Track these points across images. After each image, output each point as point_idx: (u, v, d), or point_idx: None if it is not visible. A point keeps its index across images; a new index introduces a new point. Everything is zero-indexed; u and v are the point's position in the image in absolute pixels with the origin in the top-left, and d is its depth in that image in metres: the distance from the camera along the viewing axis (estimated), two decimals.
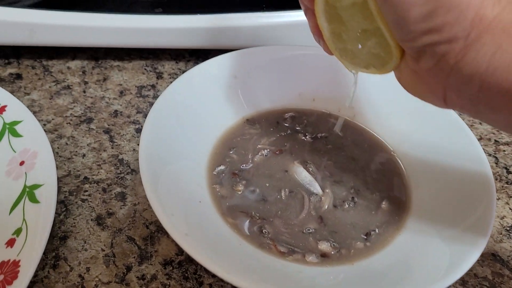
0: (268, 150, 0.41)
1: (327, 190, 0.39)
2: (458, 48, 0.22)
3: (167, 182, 0.34)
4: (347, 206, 0.38)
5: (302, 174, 0.40)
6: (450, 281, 0.30)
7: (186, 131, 0.40)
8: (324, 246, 0.35)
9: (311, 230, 0.36)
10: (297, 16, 0.50)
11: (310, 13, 0.31)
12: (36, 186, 0.37)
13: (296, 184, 0.39)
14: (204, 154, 0.40)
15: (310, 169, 0.40)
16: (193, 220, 0.33)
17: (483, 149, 0.50)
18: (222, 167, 0.40)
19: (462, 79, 0.23)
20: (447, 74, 0.24)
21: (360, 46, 0.30)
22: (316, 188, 0.39)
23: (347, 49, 0.31)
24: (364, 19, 0.28)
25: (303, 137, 0.43)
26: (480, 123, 0.53)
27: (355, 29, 0.29)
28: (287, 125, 0.44)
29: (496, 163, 0.49)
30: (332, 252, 0.35)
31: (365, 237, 0.36)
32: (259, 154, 0.41)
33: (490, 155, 0.50)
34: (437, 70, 0.24)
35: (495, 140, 0.51)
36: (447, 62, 0.23)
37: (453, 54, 0.23)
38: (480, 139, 0.51)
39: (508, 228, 0.43)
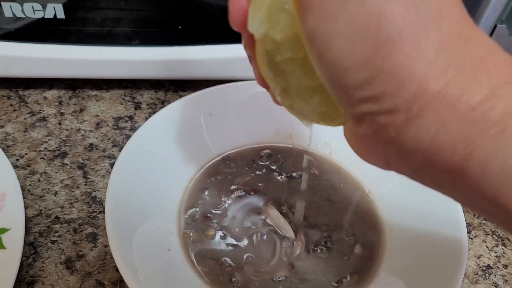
0: (242, 190, 0.41)
1: (300, 235, 0.38)
2: (400, 120, 0.21)
3: (133, 232, 0.33)
4: (319, 251, 0.38)
5: (275, 217, 0.39)
6: None
7: (158, 172, 0.39)
8: None
9: (281, 278, 0.36)
10: None
11: (254, 63, 0.28)
12: (4, 230, 0.37)
13: (269, 227, 0.39)
14: (177, 197, 0.39)
15: (284, 211, 0.40)
16: (159, 273, 0.32)
17: None
18: (194, 210, 0.39)
19: (404, 152, 0.22)
20: (387, 144, 0.22)
21: (305, 104, 0.27)
22: (288, 232, 0.38)
23: (293, 106, 0.28)
24: (306, 75, 0.25)
25: (279, 177, 0.43)
26: None
27: (299, 85, 0.27)
28: (262, 163, 0.44)
29: None
30: None
31: (336, 284, 0.36)
32: (233, 195, 0.41)
33: None
34: (377, 139, 0.22)
35: None
36: (388, 134, 0.21)
37: (394, 127, 0.21)
38: None
39: (484, 268, 0.42)
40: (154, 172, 0.39)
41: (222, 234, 0.38)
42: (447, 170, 0.21)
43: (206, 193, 0.41)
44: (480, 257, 0.43)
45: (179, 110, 0.42)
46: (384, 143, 0.22)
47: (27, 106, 0.51)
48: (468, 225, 0.46)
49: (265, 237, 0.38)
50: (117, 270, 0.38)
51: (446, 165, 0.20)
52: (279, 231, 0.38)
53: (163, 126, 0.40)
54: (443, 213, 0.37)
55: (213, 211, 0.39)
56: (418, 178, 0.23)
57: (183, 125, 0.42)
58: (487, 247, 0.44)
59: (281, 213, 0.40)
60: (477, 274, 0.42)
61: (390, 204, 0.41)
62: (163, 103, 0.54)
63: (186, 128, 0.42)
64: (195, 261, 0.35)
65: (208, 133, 0.43)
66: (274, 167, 0.44)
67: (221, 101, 0.43)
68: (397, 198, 0.41)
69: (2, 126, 0.49)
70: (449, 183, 0.21)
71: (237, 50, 0.49)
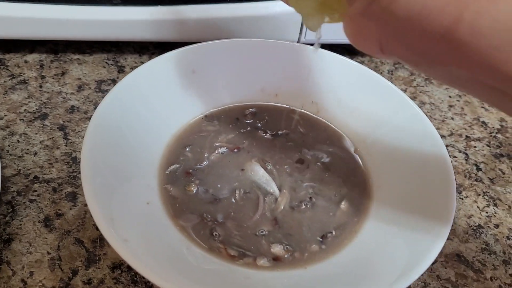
0: (225, 148, 0.40)
1: (284, 190, 0.37)
2: None
3: (110, 182, 0.32)
4: (304, 207, 0.37)
5: (259, 173, 0.38)
6: (408, 282, 0.29)
7: (138, 128, 0.38)
8: (277, 249, 0.34)
9: (264, 233, 0.35)
10: (263, 8, 0.48)
11: None
12: None
13: (252, 183, 0.38)
14: (157, 153, 0.38)
15: (269, 167, 0.39)
16: (136, 224, 0.31)
17: (454, 145, 0.49)
18: (175, 166, 0.38)
19: (396, 25, 0.21)
20: (379, 17, 0.22)
21: None
22: (273, 187, 0.37)
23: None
24: None
25: (263, 134, 0.42)
26: (452, 118, 0.52)
27: None
28: (247, 121, 0.43)
29: (466, 160, 0.47)
30: (285, 256, 0.33)
31: (321, 239, 0.35)
32: (216, 152, 0.40)
33: (460, 151, 0.48)
34: (370, 14, 0.22)
35: (466, 136, 0.50)
36: (379, 4, 0.21)
37: None
38: (451, 134, 0.50)
39: (474, 228, 0.42)
40: (133, 128, 0.37)
41: (204, 190, 0.37)
42: (438, 36, 0.20)
43: (188, 149, 0.39)
44: (470, 217, 0.42)
45: (161, 66, 0.41)
46: (377, 19, 0.22)
47: (7, 69, 0.50)
48: (459, 185, 0.45)
49: (248, 193, 0.37)
50: (97, 229, 0.37)
51: (437, 30, 0.20)
52: (263, 186, 0.37)
53: (143, 82, 0.39)
54: (431, 162, 0.36)
55: (195, 167, 0.38)
56: (412, 57, 0.23)
57: (165, 82, 0.41)
58: (478, 207, 0.43)
59: (265, 170, 0.38)
60: (467, 233, 0.41)
61: (377, 161, 0.40)
62: None
63: (168, 85, 0.41)
64: (175, 216, 0.34)
65: (191, 91, 0.42)
66: (259, 125, 0.43)
67: (205, 58, 0.42)
68: (384, 154, 0.40)
69: None
70: (442, 54, 0.21)
71: (225, 10, 0.48)
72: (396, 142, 0.40)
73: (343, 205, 0.37)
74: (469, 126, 0.51)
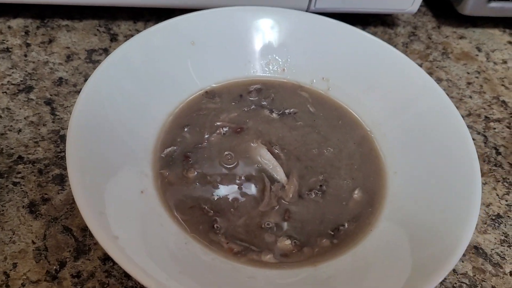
0: (228, 128, 0.36)
1: (292, 177, 0.34)
2: None
3: (100, 170, 0.29)
4: (314, 195, 0.33)
5: (266, 157, 0.35)
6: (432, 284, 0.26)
7: (131, 106, 0.34)
8: (284, 243, 0.31)
9: (270, 225, 0.31)
10: None
11: None
12: None
13: (257, 169, 0.34)
14: (152, 134, 0.35)
15: (275, 151, 0.35)
16: (128, 218, 0.28)
17: (472, 126, 0.45)
18: (172, 149, 0.34)
19: None
20: None
21: None
22: (280, 174, 0.34)
23: None
24: None
25: (269, 113, 0.38)
26: (470, 97, 0.48)
27: None
28: (251, 99, 0.39)
29: (485, 143, 0.44)
30: (294, 251, 0.30)
31: (332, 233, 0.32)
32: (217, 132, 0.36)
33: (479, 133, 0.45)
34: None
35: (486, 116, 0.46)
36: None
37: None
38: (469, 114, 0.46)
39: (493, 217, 0.39)
40: (126, 105, 0.34)
41: (203, 175, 0.33)
42: None
43: (187, 130, 0.36)
44: (489, 205, 0.39)
45: (156, 37, 0.37)
46: None
47: None
48: None
49: (253, 179, 0.33)
50: None
51: None
52: (269, 173, 0.34)
53: (138, 54, 0.35)
54: (453, 151, 0.33)
55: (194, 148, 0.35)
56: None
57: (161, 54, 0.37)
58: (497, 194, 0.40)
59: (272, 154, 0.35)
60: (485, 223, 0.38)
61: (394, 144, 0.36)
62: None
63: (165, 58, 0.37)
64: (171, 206, 0.31)
65: (190, 64, 0.38)
66: (264, 103, 0.39)
67: (206, 28, 0.38)
68: (401, 137, 0.36)
69: None
70: None
71: None
72: (414, 124, 0.36)
73: (356, 194, 0.34)
74: (488, 106, 0.48)
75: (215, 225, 0.31)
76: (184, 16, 0.38)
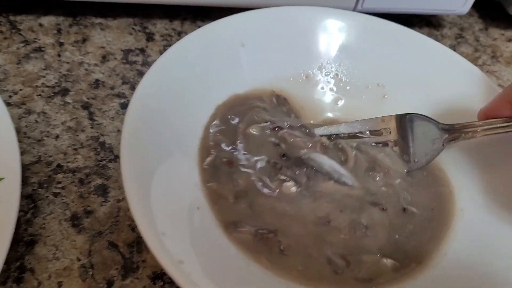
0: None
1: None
2: None
3: (158, 186, 0.27)
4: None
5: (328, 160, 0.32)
6: None
7: (180, 113, 0.32)
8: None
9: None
10: None
11: None
12: None
13: (323, 174, 0.32)
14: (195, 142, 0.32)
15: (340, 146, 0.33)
16: (189, 239, 0.26)
17: None
18: (212, 156, 0.32)
19: None
20: None
21: None
22: (348, 179, 0.31)
23: None
24: None
25: None
26: None
27: None
28: None
29: None
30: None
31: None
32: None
33: None
34: None
35: None
36: None
37: None
38: None
39: None
40: (175, 112, 0.31)
41: (254, 182, 0.31)
42: None
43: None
44: None
45: (204, 40, 0.34)
46: None
47: (19, 34, 0.43)
48: None
49: (318, 187, 0.31)
50: (133, 230, 0.32)
51: None
52: (337, 176, 0.31)
53: (184, 59, 0.33)
54: None
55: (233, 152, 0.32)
56: None
57: (210, 58, 0.34)
58: None
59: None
60: None
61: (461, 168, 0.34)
62: (180, 35, 0.46)
63: (214, 61, 0.34)
64: (227, 223, 0.29)
65: (241, 67, 0.35)
66: None
67: (257, 29, 0.36)
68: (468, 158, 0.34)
69: None
70: None
71: None
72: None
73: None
74: None
75: (281, 247, 0.28)
76: (233, 17, 0.35)
